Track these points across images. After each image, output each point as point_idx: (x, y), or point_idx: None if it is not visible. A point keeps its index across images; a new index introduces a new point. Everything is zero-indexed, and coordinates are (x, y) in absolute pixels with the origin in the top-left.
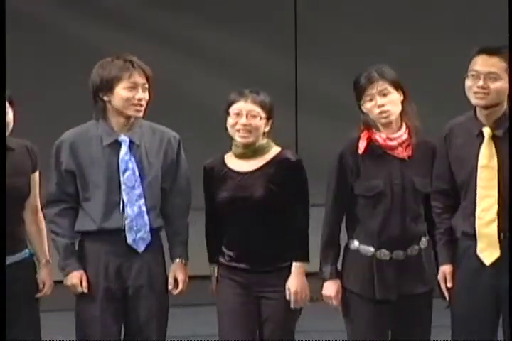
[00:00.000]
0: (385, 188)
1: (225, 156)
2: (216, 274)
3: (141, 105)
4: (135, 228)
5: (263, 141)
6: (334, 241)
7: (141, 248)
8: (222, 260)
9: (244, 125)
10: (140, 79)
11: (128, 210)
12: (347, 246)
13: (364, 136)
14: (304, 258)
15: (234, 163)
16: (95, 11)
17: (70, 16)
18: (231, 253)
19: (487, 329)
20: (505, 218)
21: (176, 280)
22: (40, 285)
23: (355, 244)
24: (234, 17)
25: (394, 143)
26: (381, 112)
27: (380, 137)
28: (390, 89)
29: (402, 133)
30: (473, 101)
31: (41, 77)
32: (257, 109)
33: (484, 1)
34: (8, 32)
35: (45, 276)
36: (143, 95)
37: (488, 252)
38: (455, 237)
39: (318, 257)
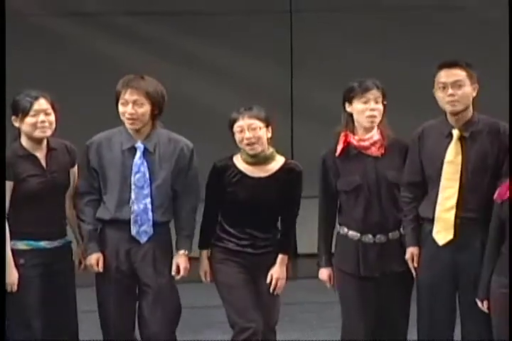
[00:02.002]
0: (361, 182)
1: (234, 161)
2: (206, 258)
3: (133, 119)
4: (139, 222)
5: (270, 151)
6: (326, 232)
7: (143, 239)
8: (229, 245)
9: (249, 138)
10: (130, 96)
11: (135, 206)
12: (338, 232)
13: (341, 139)
14: (288, 252)
15: (246, 168)
16: (123, 35)
17: (102, 38)
18: (237, 241)
19: (446, 297)
20: (463, 207)
21: (178, 268)
22: (76, 262)
23: (345, 230)
24: (237, 37)
25: (366, 143)
26: (371, 116)
27: (354, 139)
28: (380, 99)
29: (373, 135)
30: (449, 109)
31: (77, 88)
32: (255, 122)
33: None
34: (53, 52)
35: (81, 255)
36: (134, 110)
37: (442, 234)
38: (421, 223)
39: (310, 239)
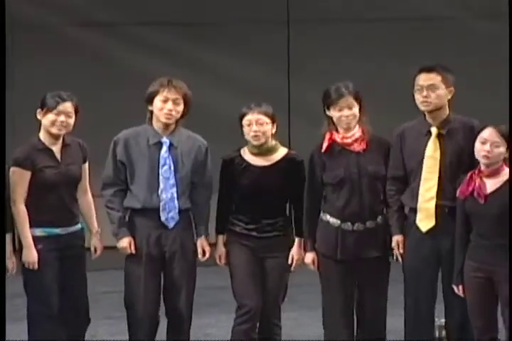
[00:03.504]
0: (345, 176)
1: (242, 153)
2: (223, 243)
3: (170, 115)
4: (167, 209)
5: (273, 142)
6: (314, 220)
7: (171, 225)
8: (236, 229)
9: (255, 131)
10: (171, 95)
11: (163, 195)
12: (321, 219)
13: (326, 137)
14: (302, 235)
15: (251, 158)
16: (141, 45)
17: (117, 46)
18: (243, 224)
19: (429, 278)
20: (442, 197)
21: (203, 250)
22: (92, 249)
23: (327, 217)
24: (240, 45)
25: (349, 140)
26: (346, 122)
27: (338, 137)
28: (354, 103)
29: (355, 133)
30: (422, 108)
31: (93, 94)
32: (262, 118)
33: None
34: (81, 61)
35: (96, 242)
36: (172, 107)
37: (425, 222)
38: (404, 213)
39: None
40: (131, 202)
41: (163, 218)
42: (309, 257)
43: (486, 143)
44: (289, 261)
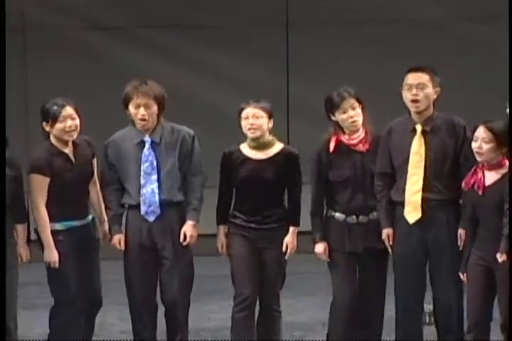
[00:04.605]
0: (350, 175)
1: (241, 147)
2: (224, 233)
3: (144, 120)
4: (147, 203)
5: (270, 137)
6: (319, 214)
7: (151, 218)
8: (236, 221)
9: (252, 124)
10: (141, 100)
11: (143, 190)
12: (326, 215)
13: (333, 138)
14: (297, 223)
15: (249, 152)
16: (136, 44)
17: (125, 49)
18: (243, 216)
19: (417, 266)
20: (428, 190)
21: (185, 235)
22: (101, 236)
23: (332, 213)
24: (241, 47)
25: (354, 141)
26: (352, 122)
27: (344, 138)
28: (356, 104)
29: (360, 134)
30: (412, 109)
31: (101, 95)
32: (259, 112)
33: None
34: (83, 62)
35: (105, 230)
36: (145, 112)
37: (412, 214)
38: (393, 207)
39: (303, 219)
40: (127, 199)
41: (142, 212)
42: (321, 247)
43: (477, 140)
44: (283, 249)
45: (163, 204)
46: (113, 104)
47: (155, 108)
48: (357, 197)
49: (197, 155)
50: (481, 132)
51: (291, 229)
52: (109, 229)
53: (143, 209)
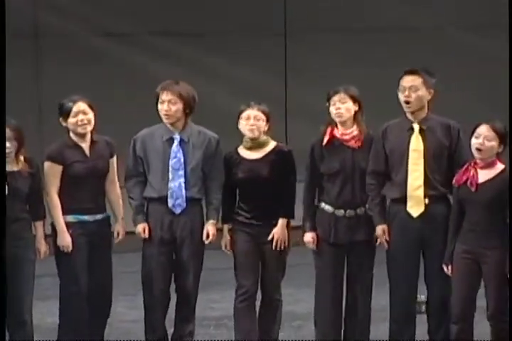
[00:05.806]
0: (340, 168)
1: (238, 149)
2: (228, 232)
3: (167, 115)
4: (175, 196)
5: (264, 137)
6: (311, 205)
7: (177, 210)
8: (239, 218)
9: (252, 125)
10: (166, 97)
11: (171, 184)
12: (317, 206)
13: (327, 132)
14: (287, 216)
15: (245, 153)
16: (152, 51)
17: (137, 56)
18: (245, 213)
19: (413, 261)
20: (428, 185)
21: (208, 234)
22: (115, 234)
23: (322, 204)
24: (243, 54)
25: (347, 137)
26: (337, 114)
27: (337, 133)
28: (348, 99)
29: (353, 131)
30: (405, 109)
31: (115, 100)
32: (260, 114)
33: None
34: (103, 67)
35: (120, 228)
36: (168, 107)
37: (415, 209)
38: (386, 204)
39: (298, 214)
40: (149, 192)
41: (170, 204)
42: (309, 236)
43: (479, 137)
44: (270, 238)
45: (187, 199)
46: (128, 110)
47: (179, 105)
48: (345, 191)
49: (219, 158)
50: (484, 130)
51: (281, 220)
52: (133, 219)
53: (170, 202)
